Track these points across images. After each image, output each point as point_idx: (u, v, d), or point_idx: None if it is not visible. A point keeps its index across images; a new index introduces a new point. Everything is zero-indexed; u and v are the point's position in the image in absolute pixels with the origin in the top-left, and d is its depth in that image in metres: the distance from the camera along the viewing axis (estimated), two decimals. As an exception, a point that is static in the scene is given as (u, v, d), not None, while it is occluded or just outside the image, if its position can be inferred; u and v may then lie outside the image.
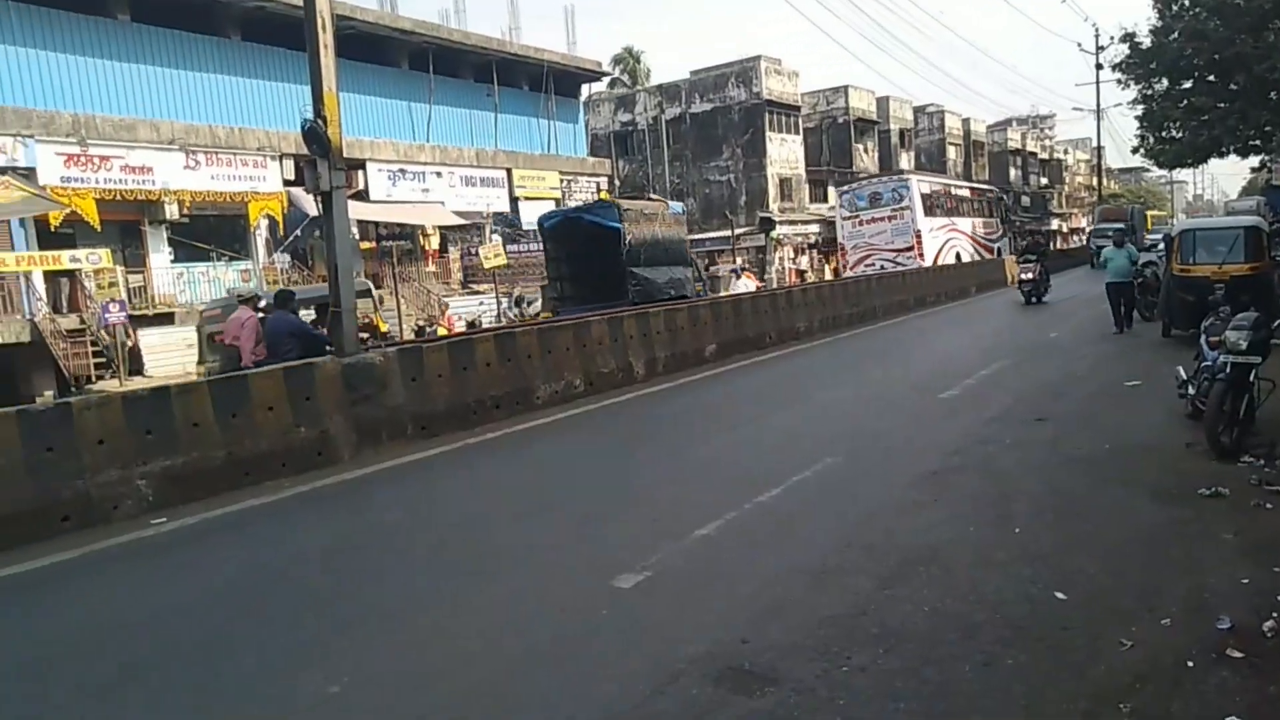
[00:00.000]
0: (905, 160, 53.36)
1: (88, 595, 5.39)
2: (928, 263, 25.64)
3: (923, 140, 57.56)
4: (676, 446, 8.25)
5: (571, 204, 34.15)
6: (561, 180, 33.52)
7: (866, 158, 50.31)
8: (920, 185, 27.61)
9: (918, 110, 56.89)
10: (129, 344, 18.82)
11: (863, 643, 3.76)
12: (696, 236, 43.33)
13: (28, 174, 18.49)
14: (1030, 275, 19.72)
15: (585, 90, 39.20)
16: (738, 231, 40.98)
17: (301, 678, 3.84)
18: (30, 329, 18.12)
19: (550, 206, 33.08)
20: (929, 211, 27.19)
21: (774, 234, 42.09)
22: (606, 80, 46.96)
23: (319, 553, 5.88)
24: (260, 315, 10.79)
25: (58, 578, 5.62)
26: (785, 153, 44.98)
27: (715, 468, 7.18)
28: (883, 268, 25.44)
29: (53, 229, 19.18)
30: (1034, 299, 19.75)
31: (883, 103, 52.64)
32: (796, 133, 45.92)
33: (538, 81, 33.07)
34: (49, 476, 6.43)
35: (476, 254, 27.07)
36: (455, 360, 9.73)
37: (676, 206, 18.99)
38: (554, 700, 3.47)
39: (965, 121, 61.07)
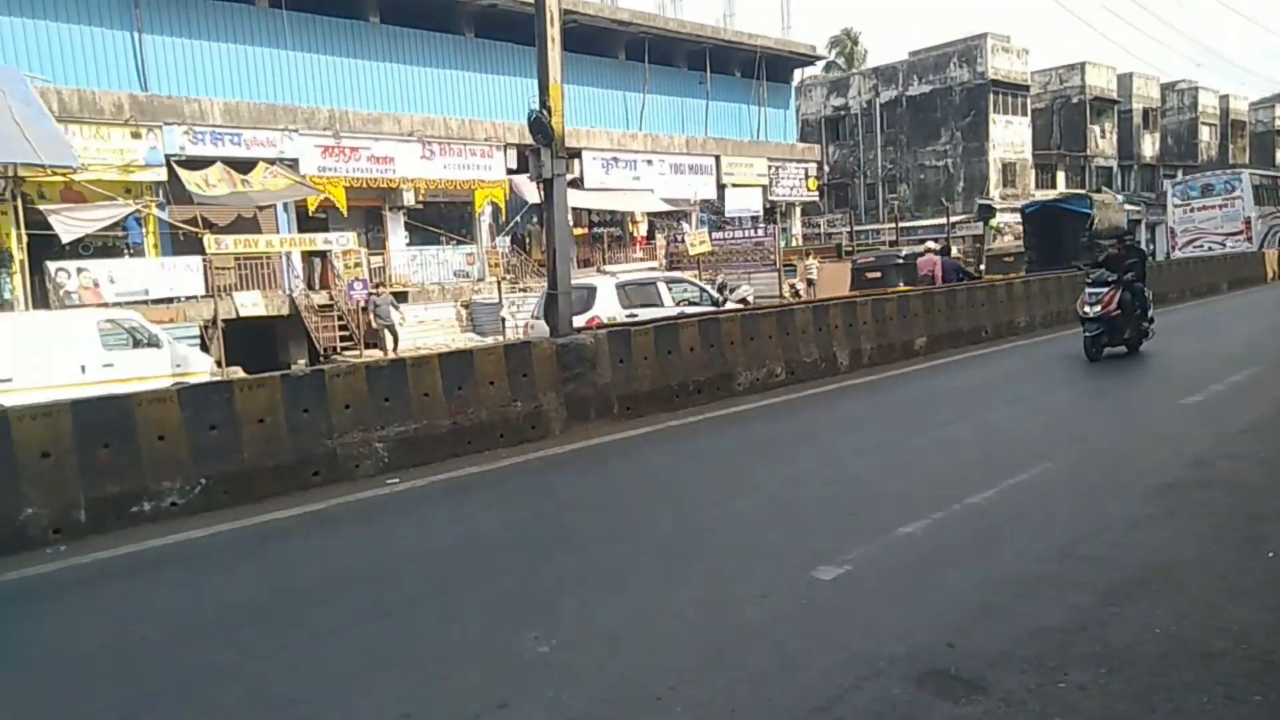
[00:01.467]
0: (1150, 144, 48.59)
1: (333, 543, 6.03)
2: (1255, 246, 28.23)
3: (1170, 120, 52.19)
4: (879, 441, 8.03)
5: (779, 190, 33.92)
6: (769, 167, 33.29)
7: (1103, 140, 46.30)
8: (1251, 178, 30.83)
9: (1165, 87, 51.63)
10: (374, 323, 20.64)
11: (1082, 660, 3.53)
12: (909, 224, 41.74)
13: (292, 164, 20.82)
14: (1100, 308, 10.98)
15: (798, 75, 38.62)
16: (954, 219, 39.00)
17: (515, 636, 4.11)
18: (289, 303, 20.35)
19: (757, 194, 33.00)
20: (1258, 201, 29.85)
21: (993, 222, 39.70)
22: (821, 64, 45.97)
23: (531, 520, 6.26)
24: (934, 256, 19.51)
25: (310, 525, 6.34)
26: (1010, 135, 42.27)
27: (921, 465, 6.95)
28: (1210, 249, 28.76)
29: (310, 214, 21.51)
30: (1099, 352, 11.18)
31: (1124, 79, 48.18)
32: (1024, 114, 43.05)
33: (750, 67, 32.97)
34: (305, 435, 7.24)
35: (682, 241, 27.49)
36: (661, 344, 9.97)
37: (1119, 198, 24.43)
38: (756, 681, 3.52)
39: (1223, 99, 54.66)
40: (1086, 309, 10.98)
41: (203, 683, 3.87)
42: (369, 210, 23.72)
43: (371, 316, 19.81)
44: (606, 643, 3.97)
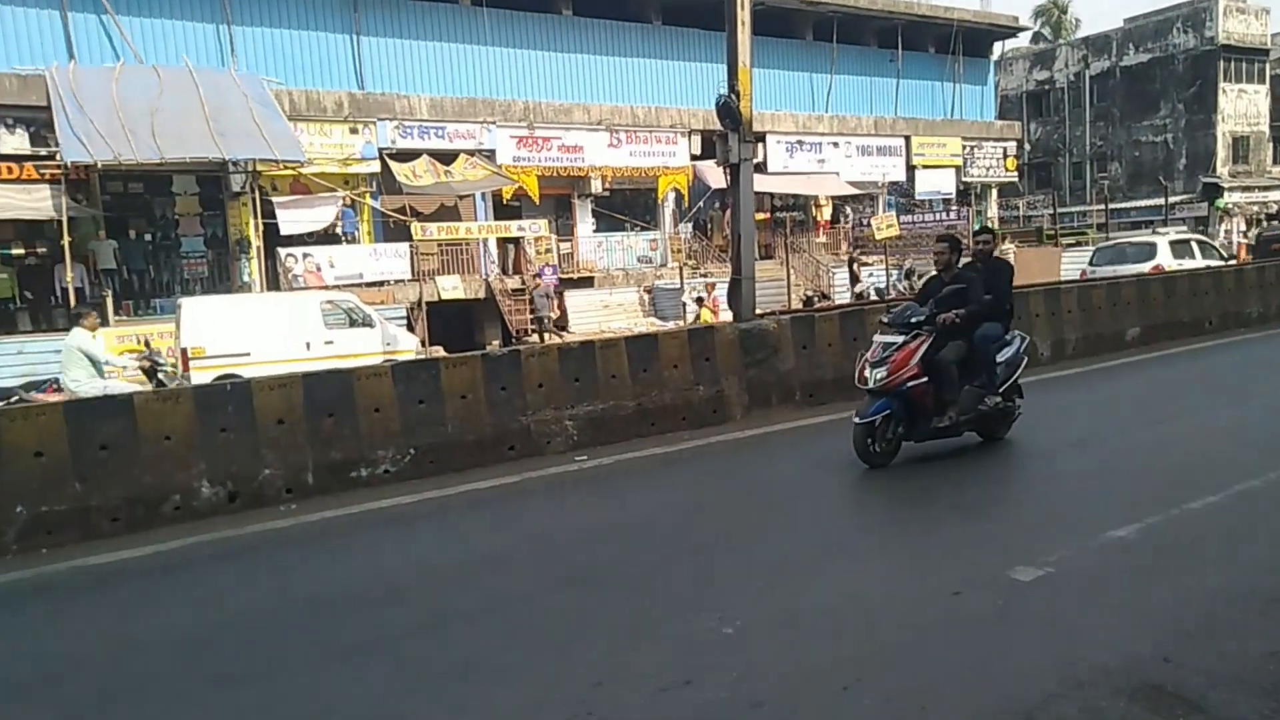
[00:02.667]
0: None
1: (527, 514, 6.36)
2: None
3: None
4: (1079, 438, 7.49)
5: (974, 171, 32.18)
6: (964, 146, 31.66)
7: (1363, 108, 40.75)
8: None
9: None
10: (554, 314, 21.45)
11: (1326, 689, 3.19)
12: (1120, 206, 38.53)
13: (489, 155, 21.93)
14: (885, 373, 6.56)
15: (997, 48, 36.43)
16: (1173, 200, 35.61)
17: (698, 616, 4.19)
18: (485, 287, 21.48)
19: (949, 175, 31.47)
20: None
21: (1220, 202, 35.94)
22: (1024, 36, 43.13)
23: (713, 502, 6.34)
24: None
25: (506, 496, 6.71)
26: (1243, 106, 38.08)
27: (1135, 465, 6.44)
28: None
29: (504, 202, 22.62)
30: (875, 454, 6.58)
31: (1394, 37, 42.09)
32: (1261, 81, 38.56)
33: (945, 43, 31.41)
34: (502, 411, 7.66)
35: (868, 224, 26.68)
36: (846, 331, 9.76)
37: None
38: (949, 680, 3.43)
39: None
40: (866, 373, 6.58)
41: (416, 635, 4.21)
42: (559, 198, 24.58)
43: (530, 306, 20.40)
44: (790, 629, 3.98)
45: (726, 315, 20.67)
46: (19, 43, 17.40)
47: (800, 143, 27.79)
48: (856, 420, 6.51)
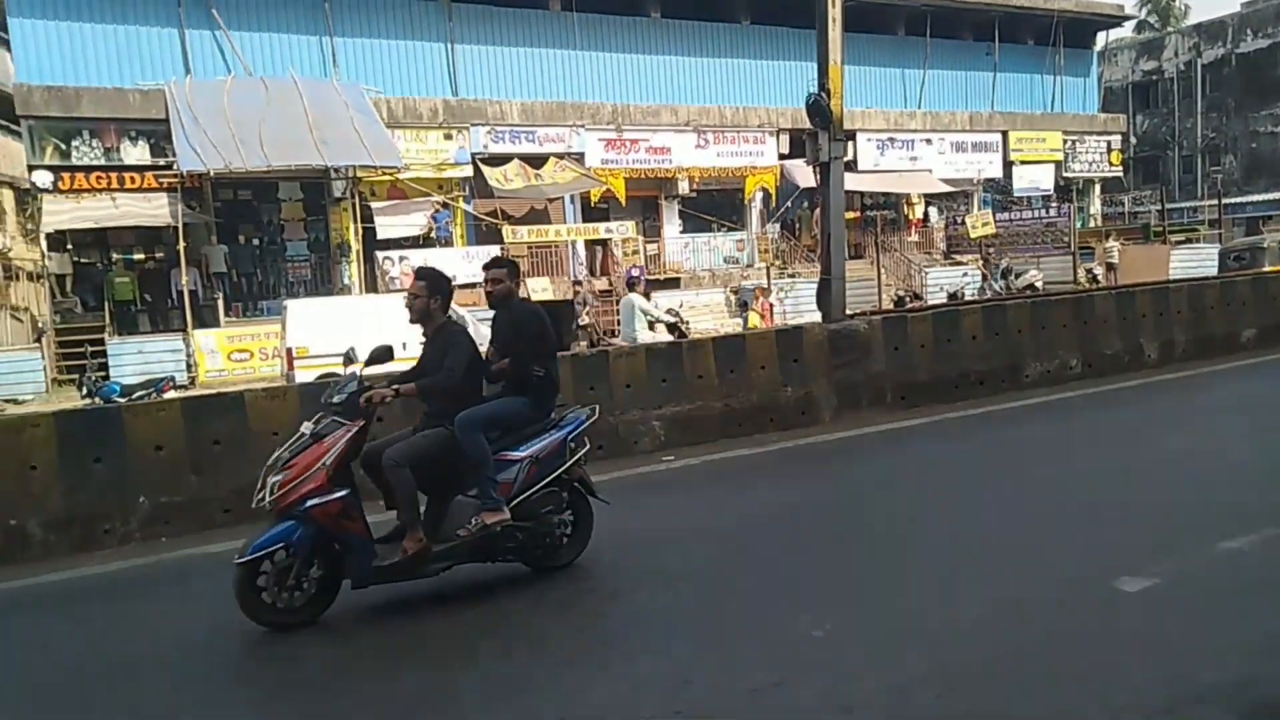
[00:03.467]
0: None
1: (615, 513, 6.41)
2: None
3: None
4: (1191, 445, 7.15)
5: (1075, 166, 30.98)
6: (1064, 141, 30.51)
7: None
8: None
9: None
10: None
11: None
12: (1235, 200, 36.54)
13: (578, 158, 22.23)
14: (272, 498, 4.41)
15: (1101, 39, 34.94)
16: (1296, 194, 33.57)
17: (789, 618, 4.17)
18: (573, 288, 21.74)
19: (1049, 171, 30.38)
20: None
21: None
22: (1129, 25, 41.25)
23: (802, 505, 6.29)
24: None
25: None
26: (1377, 92, 35.54)
27: (1251, 474, 6.12)
28: None
29: (593, 204, 22.87)
30: (271, 596, 4.39)
31: None
32: (1398, 65, 35.97)
33: (1045, 34, 30.30)
34: (590, 411, 7.75)
35: (962, 223, 25.97)
36: (939, 331, 9.55)
37: None
38: (1052, 692, 3.33)
39: None
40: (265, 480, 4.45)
41: (502, 630, 4.31)
42: (646, 200, 24.70)
43: (580, 311, 20.16)
44: (882, 634, 3.93)
45: (775, 319, 20.43)
46: (142, 60, 18.46)
47: (892, 140, 27.25)
48: (237, 560, 4.30)
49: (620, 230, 21.64)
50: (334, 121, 17.80)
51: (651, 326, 11.89)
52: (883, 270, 22.71)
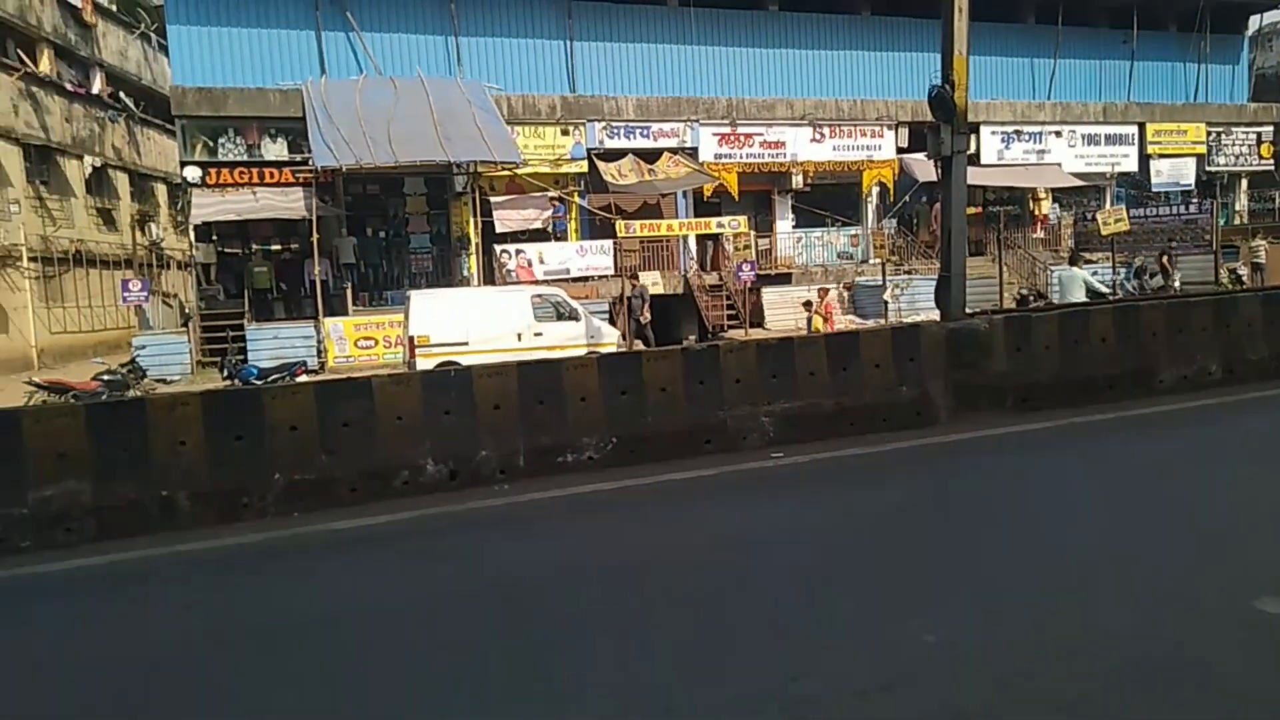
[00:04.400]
0: None
1: (722, 509, 6.46)
2: None
3: None
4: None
5: (1220, 159, 29.02)
6: (1208, 133, 28.62)
7: None
8: None
9: None
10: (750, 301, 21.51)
11: None
12: None
13: (692, 153, 22.30)
14: None
15: (1253, 23, 32.56)
16: None
17: (899, 620, 4.11)
18: (683, 283, 21.85)
19: (1190, 164, 28.59)
20: None
21: None
22: (1288, 5, 38.16)
23: (915, 507, 6.16)
24: None
25: (702, 489, 6.83)
26: None
27: None
28: None
29: (705, 199, 22.90)
30: None
31: None
32: None
33: (1189, 19, 28.48)
34: (700, 405, 7.80)
35: (1093, 219, 24.71)
36: (1066, 332, 9.14)
37: None
38: (1189, 712, 3.19)
39: None
40: None
41: (616, 618, 4.42)
42: (759, 194, 24.54)
43: (640, 308, 19.90)
44: (1000, 643, 3.83)
45: (839, 323, 19.84)
46: (281, 61, 19.54)
47: (1018, 133, 26.19)
48: None
49: (732, 225, 21.59)
50: (457, 118, 18.40)
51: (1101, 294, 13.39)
52: (1005, 268, 21.87)
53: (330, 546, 5.95)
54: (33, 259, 21.35)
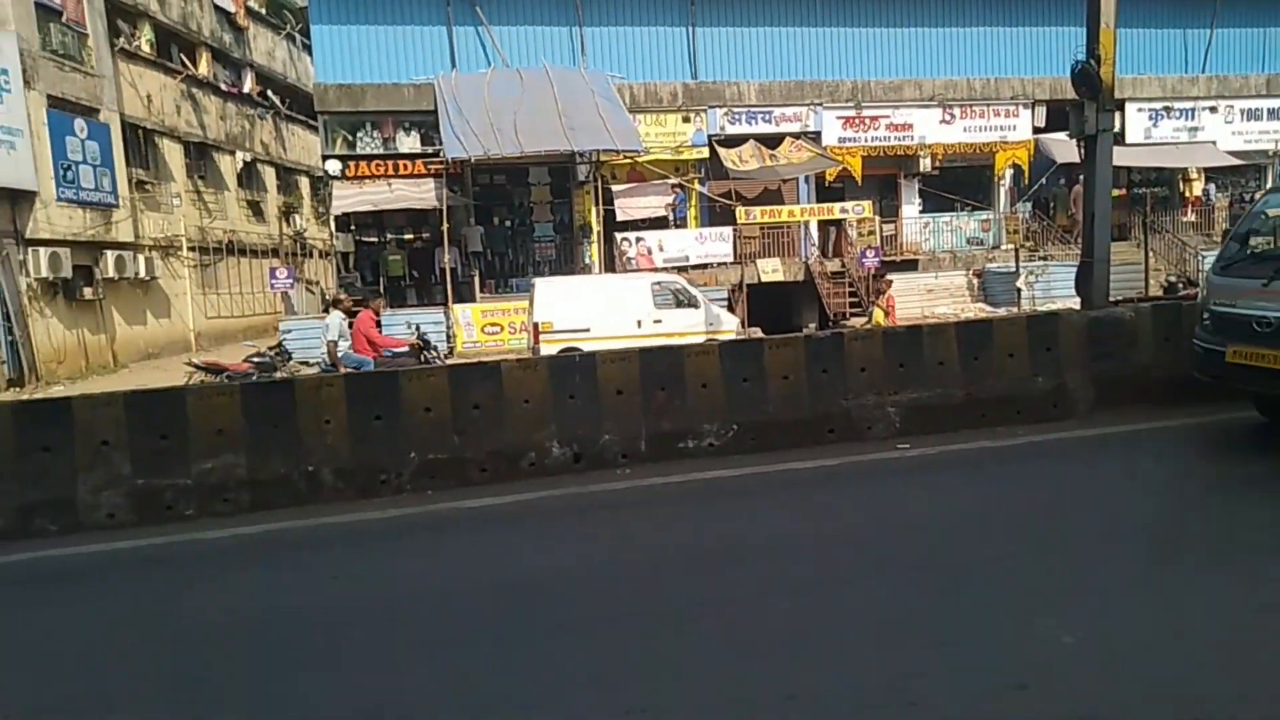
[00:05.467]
0: None
1: (842, 499, 6.37)
2: None
3: None
4: None
5: None
6: (1396, 103, 26.00)
7: None
8: None
9: None
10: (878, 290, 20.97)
11: None
12: None
13: (814, 137, 21.89)
14: None
15: None
16: None
17: (1031, 619, 3.98)
18: (804, 269, 21.53)
19: (1369, 138, 26.06)
20: None
21: None
22: None
23: (1048, 503, 5.90)
24: None
25: (825, 479, 6.77)
26: None
27: None
28: None
29: (827, 184, 22.45)
30: None
31: None
32: None
33: (1374, -22, 25.92)
34: (823, 394, 7.70)
35: (1251, 199, 22.89)
36: (1221, 324, 8.54)
37: None
38: None
39: None
40: None
41: (743, 601, 4.45)
42: (884, 178, 23.87)
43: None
44: (1141, 649, 3.66)
45: (899, 315, 18.76)
46: (414, 57, 20.28)
47: (1168, 109, 24.51)
48: None
49: (856, 210, 21.10)
50: (581, 108, 18.66)
51: None
52: (1151, 253, 20.57)
53: (459, 522, 6.20)
54: (191, 248, 22.99)
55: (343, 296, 13.88)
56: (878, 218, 22.21)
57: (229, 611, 4.81)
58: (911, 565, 4.79)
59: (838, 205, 21.48)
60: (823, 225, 22.63)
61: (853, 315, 20.70)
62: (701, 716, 3.40)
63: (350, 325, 12.50)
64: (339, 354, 11.96)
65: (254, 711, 3.70)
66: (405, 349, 12.92)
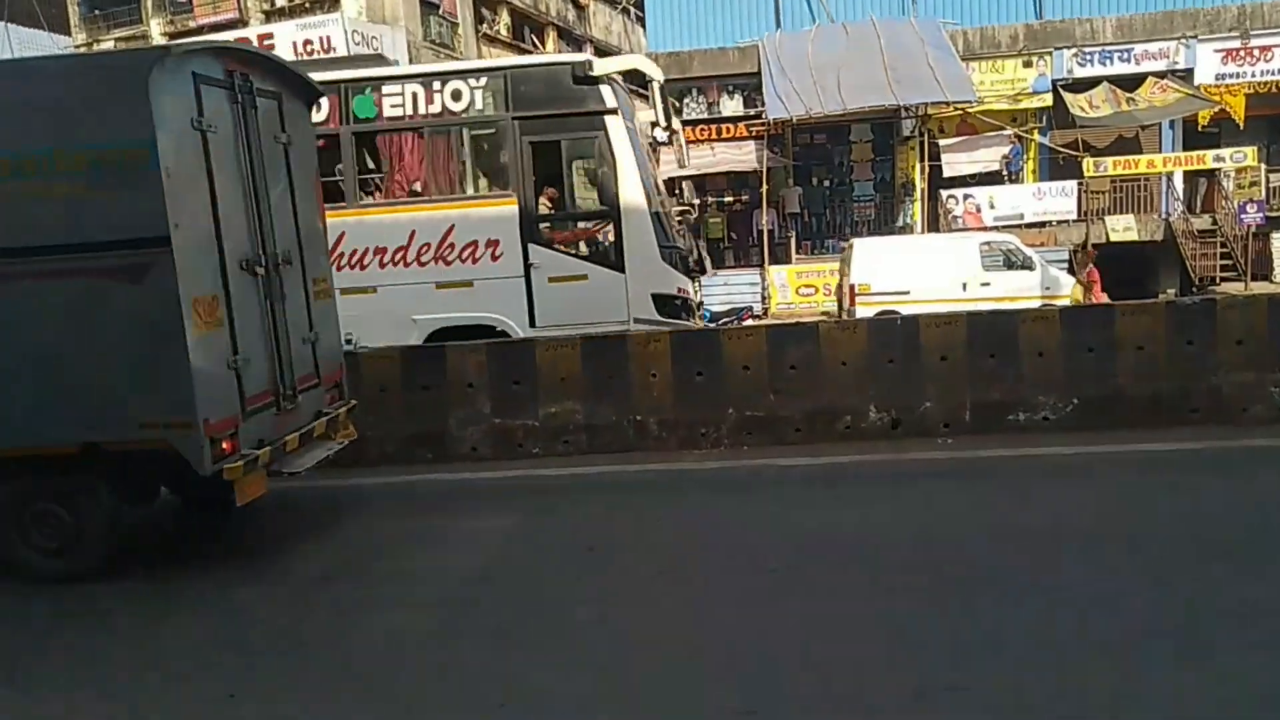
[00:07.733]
0: None
1: (1213, 484, 5.60)
2: None
3: None
4: None
5: None
6: None
7: None
8: None
9: None
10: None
11: None
12: None
13: (1185, 75, 19.04)
14: None
15: None
16: None
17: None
18: (1164, 228, 18.97)
19: None
20: None
21: None
22: None
23: None
24: None
25: (1188, 465, 6.01)
26: None
27: None
28: None
29: (1199, 129, 19.46)
30: None
31: None
32: None
33: None
34: (1186, 368, 6.82)
35: None
36: None
37: None
38: None
39: None
40: None
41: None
42: (1273, 120, 20.23)
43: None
44: None
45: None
46: (738, 20, 20.57)
47: None
48: None
49: (1235, 158, 18.12)
50: (909, 60, 17.82)
51: None
52: None
53: (775, 480, 6.35)
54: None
55: None
56: (1264, 166, 18.90)
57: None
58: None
59: (1211, 153, 18.63)
60: (1189, 177, 19.73)
61: (1224, 280, 17.97)
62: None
63: None
64: None
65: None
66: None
